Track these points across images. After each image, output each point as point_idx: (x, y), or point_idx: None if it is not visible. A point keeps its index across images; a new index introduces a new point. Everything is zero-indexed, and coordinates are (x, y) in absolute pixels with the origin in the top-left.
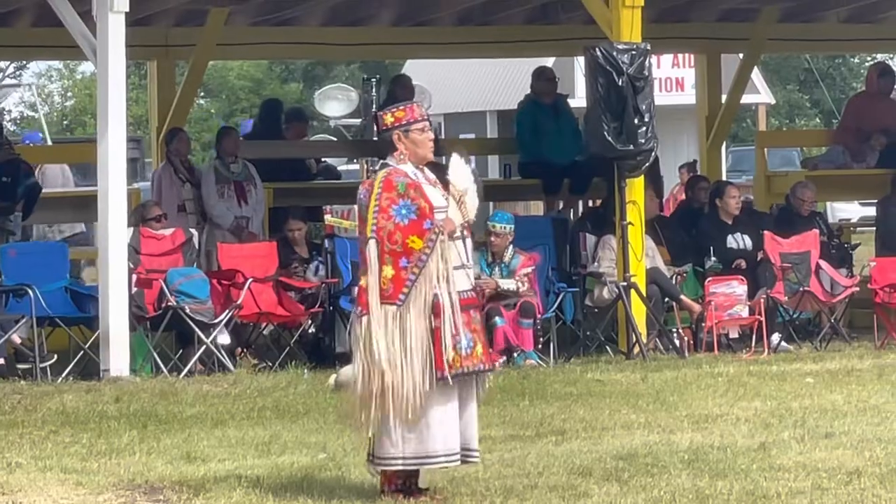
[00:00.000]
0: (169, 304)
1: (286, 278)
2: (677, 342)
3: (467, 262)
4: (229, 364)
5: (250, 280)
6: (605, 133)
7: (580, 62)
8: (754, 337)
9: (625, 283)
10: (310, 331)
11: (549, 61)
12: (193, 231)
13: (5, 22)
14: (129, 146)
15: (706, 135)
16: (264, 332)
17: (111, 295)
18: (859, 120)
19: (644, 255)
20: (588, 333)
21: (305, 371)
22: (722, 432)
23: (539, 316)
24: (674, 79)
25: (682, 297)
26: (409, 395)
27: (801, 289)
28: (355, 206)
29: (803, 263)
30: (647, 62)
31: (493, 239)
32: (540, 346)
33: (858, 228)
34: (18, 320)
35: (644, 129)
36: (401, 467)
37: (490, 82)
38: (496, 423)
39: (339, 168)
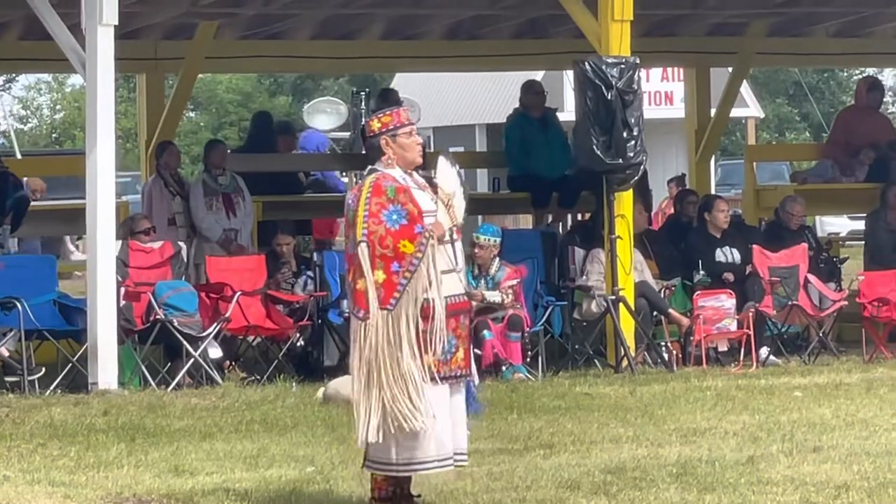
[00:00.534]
0: (157, 317)
1: (274, 291)
2: (666, 356)
3: (457, 265)
4: (217, 377)
5: (239, 293)
6: (594, 147)
7: (569, 76)
8: (743, 351)
9: (613, 297)
10: (298, 344)
11: (538, 75)
12: (182, 244)
13: None
14: None
15: (695, 148)
16: (253, 345)
17: (99, 308)
18: (848, 134)
19: (633, 268)
20: (576, 347)
21: (293, 384)
22: (710, 446)
23: (527, 329)
24: (663, 92)
25: (671, 310)
26: (407, 400)
27: (789, 303)
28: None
29: (792, 277)
30: (636, 76)
31: (477, 251)
32: (528, 359)
33: (847, 242)
34: (6, 333)
35: (633, 142)
36: (394, 473)
37: (479, 96)
38: (484, 436)
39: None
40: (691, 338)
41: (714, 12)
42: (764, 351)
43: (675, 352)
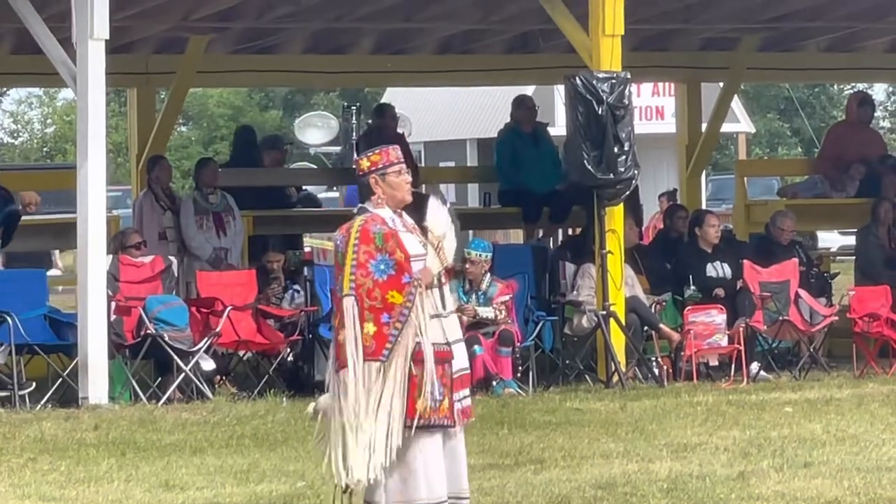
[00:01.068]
0: (148, 331)
1: (265, 306)
2: (656, 371)
3: (443, 310)
4: (208, 392)
5: (229, 308)
6: (585, 161)
7: (560, 91)
8: (733, 366)
9: (604, 312)
10: (289, 359)
11: (529, 90)
12: (173, 258)
13: None
14: None
15: (686, 163)
16: (243, 360)
17: (90, 322)
18: (839, 149)
19: (623, 283)
20: (567, 362)
21: (284, 399)
22: (701, 461)
23: (518, 344)
24: (654, 107)
25: (662, 325)
26: (389, 441)
27: (780, 318)
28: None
29: (783, 292)
30: (627, 91)
31: (468, 267)
32: (519, 374)
33: (838, 257)
34: None
35: (624, 157)
36: None
37: (470, 110)
38: (475, 451)
39: (319, 196)
40: (682, 353)
41: (705, 27)
42: (754, 366)
43: (665, 367)
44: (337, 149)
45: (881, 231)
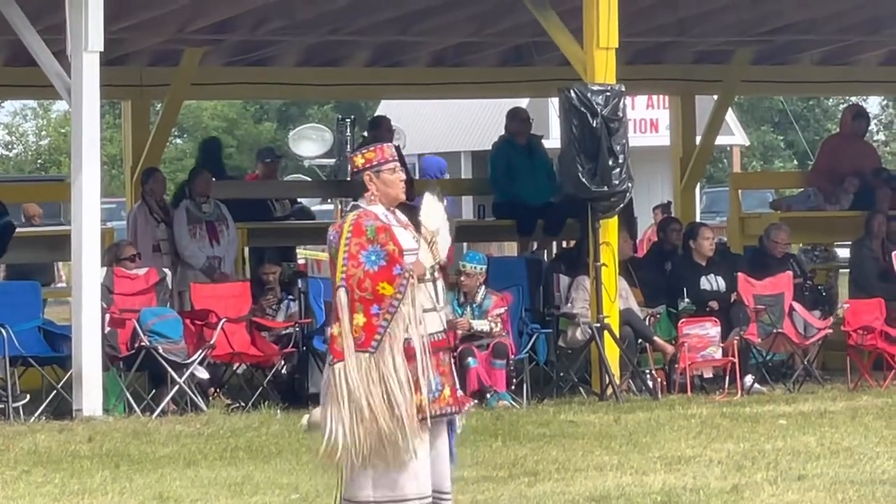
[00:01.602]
0: (142, 343)
1: (259, 318)
2: (650, 383)
3: (438, 304)
4: (202, 404)
5: (224, 320)
6: (580, 174)
7: (554, 103)
8: (727, 378)
9: (598, 325)
10: (283, 371)
11: (523, 102)
12: (167, 271)
13: None
14: None
15: (680, 176)
16: (237, 372)
17: (84, 334)
18: (833, 162)
19: (618, 296)
20: (561, 374)
21: (278, 411)
22: (695, 474)
23: (512, 357)
24: (648, 120)
25: (656, 338)
26: (399, 438)
27: (774, 330)
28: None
29: (777, 305)
30: (621, 103)
31: (463, 279)
32: (513, 386)
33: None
34: None
35: (618, 170)
36: None
37: (464, 123)
38: (469, 464)
39: (312, 208)
40: (676, 365)
41: (699, 40)
42: (749, 379)
43: (659, 379)
44: (331, 161)
45: (875, 244)
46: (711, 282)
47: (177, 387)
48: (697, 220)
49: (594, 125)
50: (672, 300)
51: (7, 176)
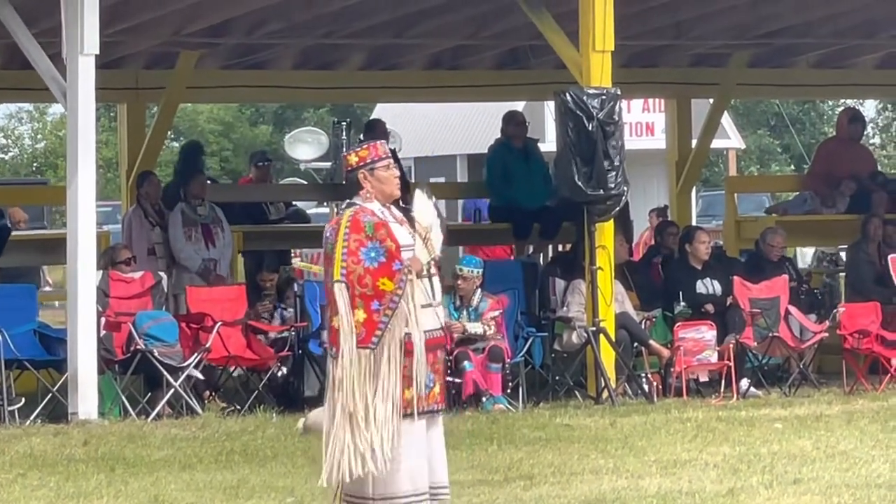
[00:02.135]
0: (137, 347)
1: (255, 322)
2: (646, 387)
3: (434, 300)
4: (198, 407)
5: (219, 323)
6: (576, 177)
7: (550, 107)
8: (723, 382)
9: (594, 328)
10: (279, 374)
11: (519, 105)
12: (162, 274)
13: None
14: None
15: (676, 180)
16: (233, 376)
17: (80, 338)
18: (830, 165)
19: (613, 299)
20: (557, 378)
21: (274, 415)
22: (690, 478)
23: (508, 360)
24: (644, 123)
25: (651, 341)
26: (383, 433)
27: (770, 334)
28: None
29: (773, 309)
30: (617, 107)
31: (459, 283)
32: (509, 390)
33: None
34: None
35: (614, 173)
36: None
37: (460, 126)
38: (464, 467)
39: (308, 212)
40: (672, 369)
41: (695, 43)
42: (744, 382)
43: (655, 383)
44: (327, 164)
45: (871, 248)
46: (707, 285)
47: (172, 390)
48: (693, 223)
49: (590, 128)
50: (668, 304)
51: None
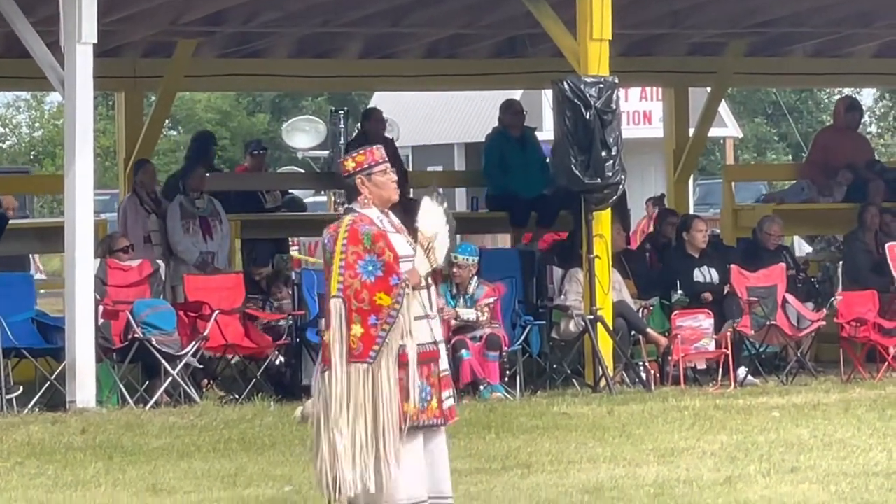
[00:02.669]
0: (135, 335)
1: (253, 310)
2: (644, 375)
3: (430, 311)
4: (195, 396)
5: (217, 312)
6: (573, 166)
7: (548, 95)
8: (720, 370)
9: (591, 317)
10: (276, 363)
11: (517, 94)
12: (160, 262)
13: None
14: None
15: (673, 168)
16: (231, 364)
17: (77, 326)
18: (827, 154)
19: (611, 288)
20: (554, 366)
21: (272, 403)
22: (688, 466)
23: (505, 349)
24: (641, 112)
25: (649, 330)
26: (381, 447)
27: (767, 322)
28: (320, 244)
29: (770, 297)
30: (614, 95)
31: (455, 271)
32: (506, 378)
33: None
34: None
35: (611, 162)
36: None
37: (458, 115)
38: (462, 456)
39: (305, 200)
40: (669, 357)
41: (692, 32)
42: (742, 371)
43: (652, 371)
44: (325, 153)
45: (868, 236)
46: (705, 274)
47: (170, 378)
48: (691, 212)
49: (587, 117)
50: (665, 292)
51: None
